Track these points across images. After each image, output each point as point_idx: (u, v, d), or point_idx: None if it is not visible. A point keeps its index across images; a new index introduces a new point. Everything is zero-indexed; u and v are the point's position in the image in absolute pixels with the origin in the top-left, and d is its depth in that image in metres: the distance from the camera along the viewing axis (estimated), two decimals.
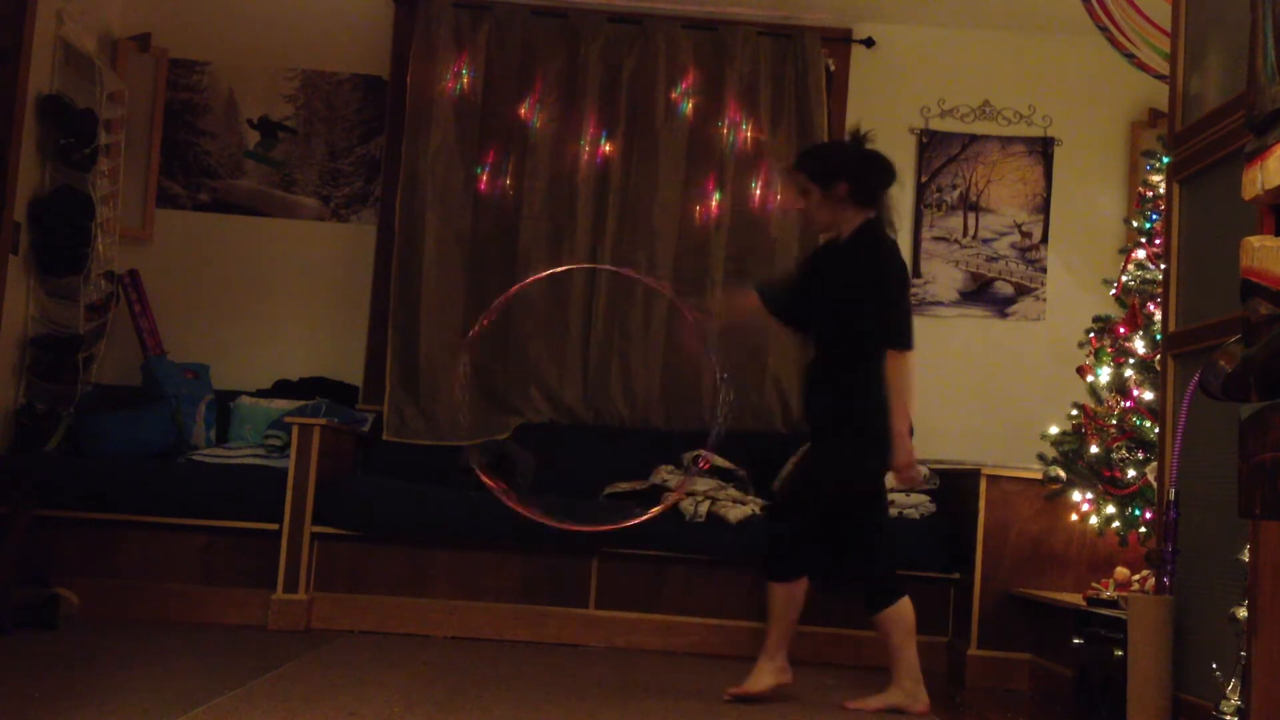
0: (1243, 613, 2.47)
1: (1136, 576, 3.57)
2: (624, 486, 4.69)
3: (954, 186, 5.47)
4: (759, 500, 4.57)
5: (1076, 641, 3.45)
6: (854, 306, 3.48)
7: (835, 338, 3.54)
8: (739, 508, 4.41)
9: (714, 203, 5.28)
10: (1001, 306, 5.42)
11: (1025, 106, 5.47)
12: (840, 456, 3.49)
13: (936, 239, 5.45)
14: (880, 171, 3.59)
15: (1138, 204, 4.06)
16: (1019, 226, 5.44)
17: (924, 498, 4.50)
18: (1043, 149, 5.46)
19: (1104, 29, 4.37)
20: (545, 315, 5.20)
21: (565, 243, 5.23)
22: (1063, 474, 3.94)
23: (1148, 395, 3.70)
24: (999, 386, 5.34)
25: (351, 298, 5.39)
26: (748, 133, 5.31)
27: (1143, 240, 3.92)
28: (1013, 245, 5.44)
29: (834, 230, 3.62)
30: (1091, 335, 4.04)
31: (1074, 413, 3.95)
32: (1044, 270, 5.41)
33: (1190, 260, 3.18)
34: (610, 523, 3.78)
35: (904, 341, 3.47)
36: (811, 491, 3.53)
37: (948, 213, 5.46)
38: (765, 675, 3.45)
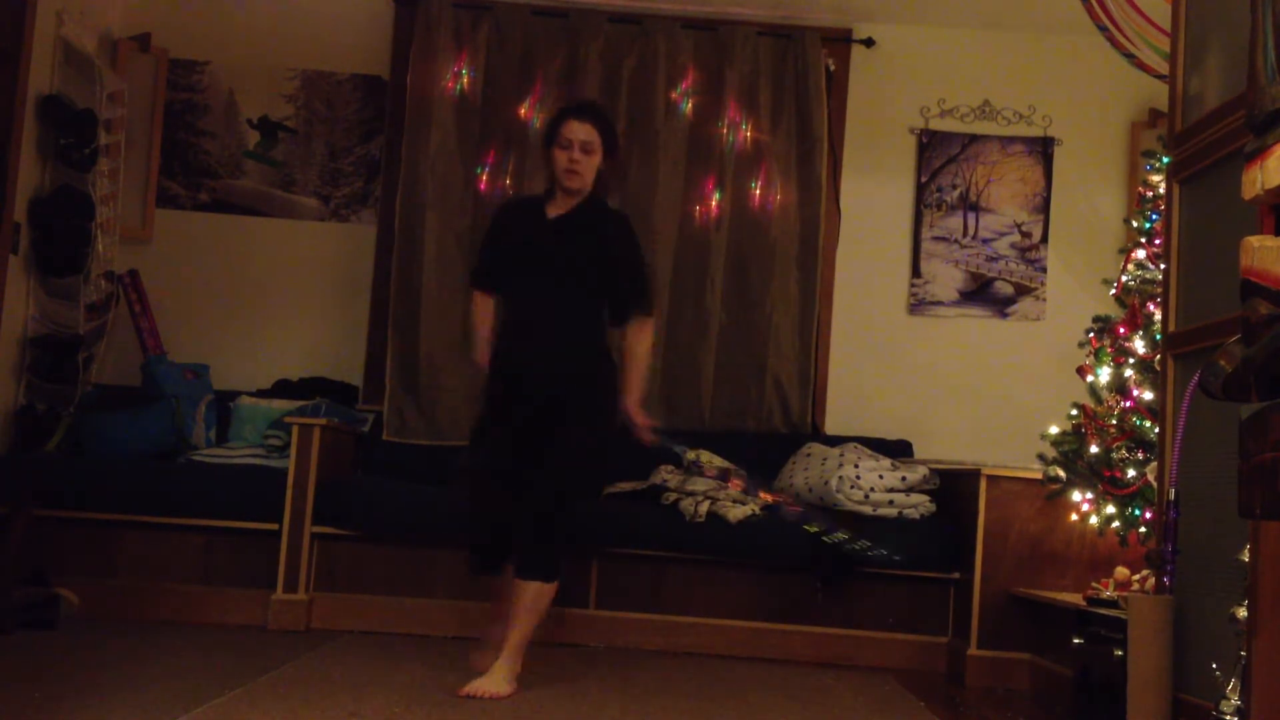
0: (1243, 613, 2.47)
1: (1136, 576, 3.57)
2: (625, 486, 4.69)
3: (954, 186, 5.46)
4: (759, 500, 4.56)
5: (1076, 641, 3.45)
6: (610, 266, 3.62)
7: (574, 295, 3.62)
8: (739, 508, 4.41)
9: (714, 203, 5.28)
10: (1001, 306, 5.42)
11: (1025, 106, 5.47)
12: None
13: (936, 239, 5.45)
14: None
15: (1138, 204, 4.05)
16: (1019, 226, 5.44)
17: (924, 497, 4.50)
18: (1043, 149, 5.46)
19: (1104, 29, 4.37)
20: None
21: None
22: (1063, 474, 3.94)
23: (1148, 395, 3.69)
24: (999, 386, 5.34)
25: (351, 298, 5.39)
26: (748, 133, 5.31)
27: (1143, 240, 3.91)
28: (1013, 245, 5.44)
29: (575, 194, 3.67)
30: (1091, 335, 4.03)
31: (1074, 413, 3.95)
32: (1044, 270, 5.41)
33: (1190, 260, 3.18)
34: None
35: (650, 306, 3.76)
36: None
37: (948, 213, 5.45)
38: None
